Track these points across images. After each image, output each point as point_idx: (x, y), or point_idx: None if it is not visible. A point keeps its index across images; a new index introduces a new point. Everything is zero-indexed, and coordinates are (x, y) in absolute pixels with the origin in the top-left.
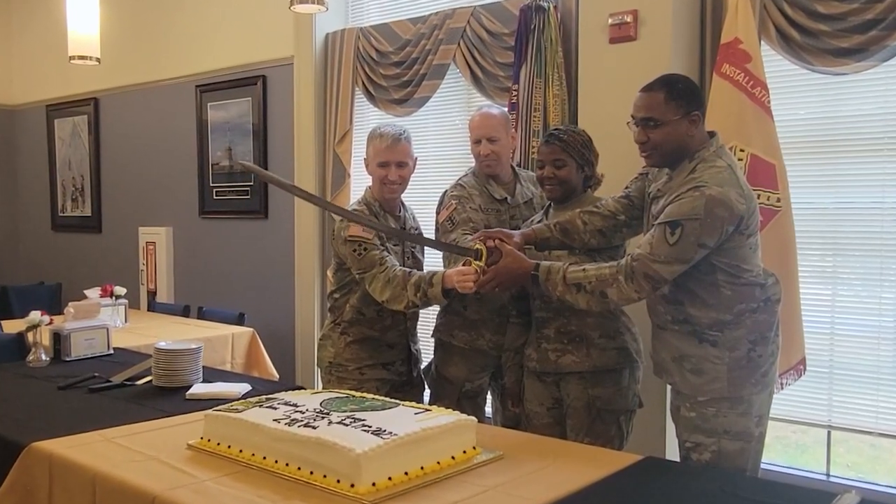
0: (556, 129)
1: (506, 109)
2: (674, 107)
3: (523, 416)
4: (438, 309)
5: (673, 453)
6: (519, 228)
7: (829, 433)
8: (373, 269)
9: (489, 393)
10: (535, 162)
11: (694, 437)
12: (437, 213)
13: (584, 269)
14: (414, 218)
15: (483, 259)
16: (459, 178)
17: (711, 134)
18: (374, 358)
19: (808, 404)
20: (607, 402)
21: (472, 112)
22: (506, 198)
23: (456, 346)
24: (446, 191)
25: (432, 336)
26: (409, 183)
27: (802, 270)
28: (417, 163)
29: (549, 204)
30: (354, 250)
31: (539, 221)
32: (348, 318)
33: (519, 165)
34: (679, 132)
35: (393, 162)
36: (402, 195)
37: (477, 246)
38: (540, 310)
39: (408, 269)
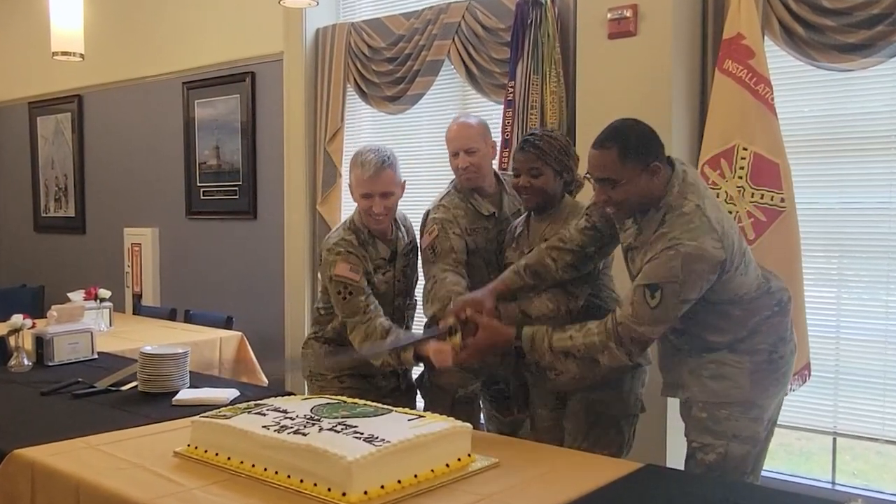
0: (531, 135)
1: (483, 118)
2: (630, 163)
3: (529, 418)
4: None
5: (674, 459)
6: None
7: (834, 440)
8: (355, 316)
9: (481, 400)
10: (512, 170)
11: (702, 437)
12: (421, 234)
13: (570, 336)
14: (409, 232)
15: (458, 334)
16: (441, 197)
17: (672, 162)
18: (354, 368)
19: (812, 411)
20: (607, 405)
21: (467, 109)
22: (493, 213)
23: None
24: (428, 210)
25: None
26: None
27: (807, 272)
28: (412, 160)
29: (528, 216)
30: (339, 292)
31: (519, 233)
32: (330, 335)
33: (504, 169)
34: (640, 186)
35: (377, 193)
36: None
37: (450, 322)
38: None
39: (388, 326)
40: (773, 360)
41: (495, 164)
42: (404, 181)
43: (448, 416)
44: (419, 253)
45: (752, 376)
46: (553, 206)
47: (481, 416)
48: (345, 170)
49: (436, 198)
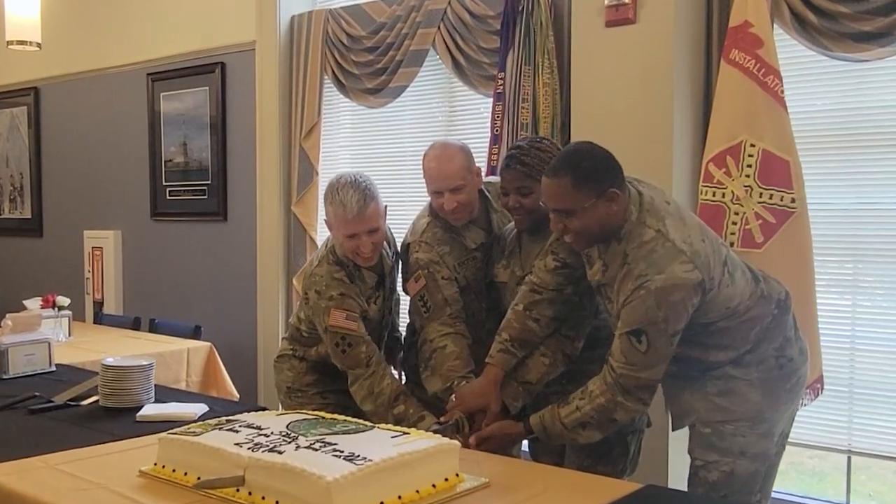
0: (516, 149)
1: (464, 142)
2: (584, 192)
3: None
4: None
5: (676, 477)
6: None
7: (849, 459)
8: (356, 369)
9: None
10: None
11: (707, 454)
12: (403, 262)
13: (576, 408)
14: (392, 244)
15: (466, 428)
16: (423, 231)
17: (630, 185)
18: (337, 383)
19: (826, 427)
20: None
21: (454, 103)
22: (481, 243)
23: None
24: (408, 244)
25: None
26: (382, 186)
27: (820, 278)
28: (397, 159)
29: (520, 233)
30: (337, 344)
31: (510, 251)
32: (314, 359)
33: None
34: (598, 215)
35: (363, 232)
36: None
37: (456, 417)
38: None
39: (397, 391)
40: (781, 364)
41: (483, 165)
42: (386, 205)
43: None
44: (406, 293)
45: (762, 387)
46: (548, 223)
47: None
48: (322, 168)
49: (415, 224)
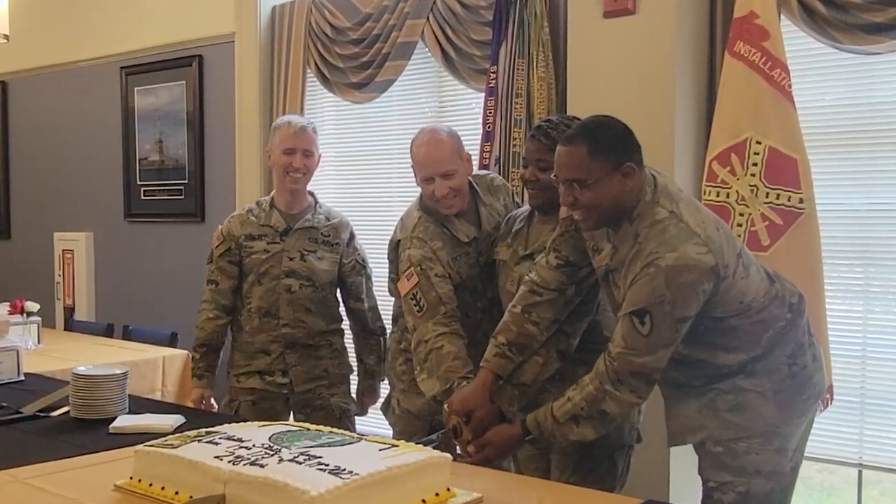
0: (546, 122)
1: (452, 128)
2: (600, 162)
3: None
4: (392, 353)
5: (678, 494)
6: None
7: (860, 472)
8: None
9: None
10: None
11: (719, 475)
12: (391, 260)
13: (568, 399)
14: (328, 218)
15: (463, 433)
16: (414, 226)
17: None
18: (249, 365)
19: (836, 439)
20: (601, 437)
21: (444, 98)
22: (474, 237)
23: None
24: (398, 241)
25: (390, 384)
26: (367, 186)
27: (829, 283)
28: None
29: (532, 211)
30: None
31: (518, 229)
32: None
33: (498, 161)
34: (612, 189)
35: (299, 149)
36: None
37: (453, 423)
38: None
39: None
40: (794, 373)
41: (475, 163)
42: (321, 155)
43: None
44: (393, 294)
45: (775, 398)
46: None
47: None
48: None
49: (404, 221)
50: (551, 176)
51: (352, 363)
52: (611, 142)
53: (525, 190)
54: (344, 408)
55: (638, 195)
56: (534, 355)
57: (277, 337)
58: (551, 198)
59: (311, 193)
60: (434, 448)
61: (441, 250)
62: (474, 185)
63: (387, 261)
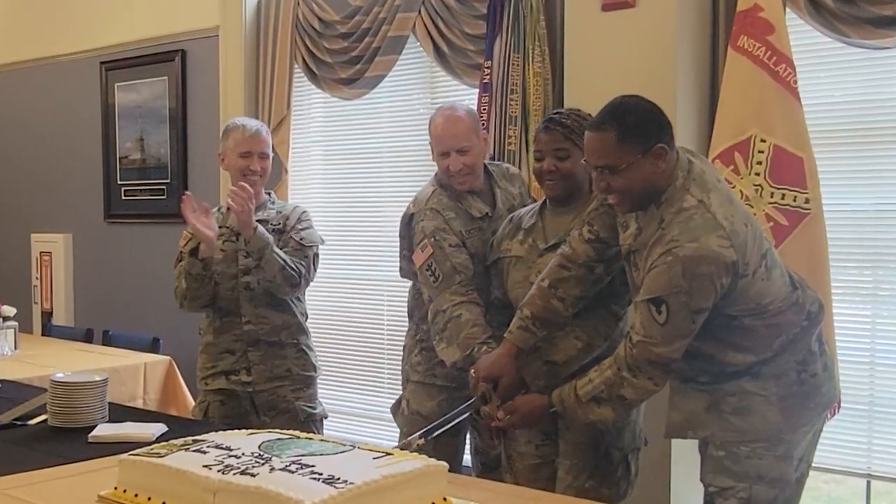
0: (557, 113)
1: (472, 106)
2: (629, 147)
3: (504, 456)
4: (408, 348)
5: (679, 499)
6: None
7: (868, 483)
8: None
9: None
10: (532, 153)
11: (720, 480)
12: (402, 236)
13: (589, 380)
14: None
15: (492, 399)
16: (428, 199)
17: (678, 151)
18: (215, 366)
19: (843, 449)
20: (616, 438)
21: (436, 94)
22: (486, 213)
23: (438, 386)
24: (412, 214)
25: (404, 379)
26: (357, 185)
27: (836, 286)
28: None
29: (544, 201)
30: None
31: (531, 225)
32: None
33: (493, 159)
34: (644, 173)
35: (256, 152)
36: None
37: (481, 391)
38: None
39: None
40: (803, 380)
41: None
42: (273, 155)
43: (430, 448)
44: (403, 275)
45: (780, 404)
46: (580, 194)
47: (462, 455)
48: (292, 165)
49: (418, 196)
50: (582, 160)
51: (317, 363)
52: (639, 125)
53: (542, 182)
54: (309, 412)
55: (669, 178)
56: (573, 338)
57: (240, 335)
58: (570, 188)
59: (268, 192)
60: (466, 417)
61: (454, 220)
62: (490, 170)
63: (396, 240)
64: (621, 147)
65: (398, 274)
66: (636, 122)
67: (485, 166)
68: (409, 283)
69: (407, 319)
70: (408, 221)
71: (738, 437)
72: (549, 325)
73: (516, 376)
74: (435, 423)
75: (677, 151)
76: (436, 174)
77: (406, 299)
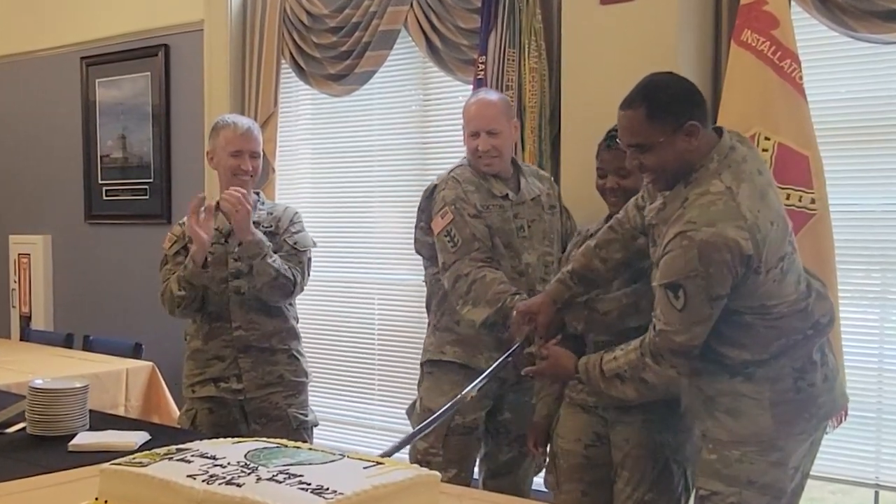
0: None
1: (506, 95)
2: (660, 125)
3: (550, 452)
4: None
5: None
6: (523, 228)
7: (876, 494)
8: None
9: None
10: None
11: (711, 483)
12: (421, 209)
13: (614, 357)
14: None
15: (535, 341)
16: (452, 170)
17: (721, 131)
18: (203, 373)
19: (850, 458)
20: (676, 449)
21: (429, 91)
22: (507, 194)
23: (447, 364)
24: (436, 185)
25: (421, 365)
26: (348, 184)
27: (843, 289)
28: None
29: (609, 216)
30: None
31: (593, 235)
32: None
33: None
34: (677, 150)
35: (247, 151)
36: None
37: (525, 333)
38: (598, 334)
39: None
40: (799, 388)
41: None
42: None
43: (439, 448)
44: (433, 238)
45: (773, 409)
46: None
47: (476, 456)
48: (279, 164)
49: (446, 173)
50: (616, 140)
51: (308, 369)
52: (669, 102)
53: (606, 199)
54: (301, 419)
55: (704, 158)
56: (622, 296)
57: (231, 341)
58: None
59: (257, 192)
60: (508, 363)
61: (473, 193)
62: (520, 164)
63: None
64: (651, 125)
65: (389, 275)
66: (667, 99)
67: (515, 161)
68: (401, 288)
69: (400, 325)
70: (430, 194)
71: (728, 437)
72: (586, 282)
73: (554, 316)
74: (484, 374)
75: (722, 133)
76: (464, 157)
77: (397, 304)
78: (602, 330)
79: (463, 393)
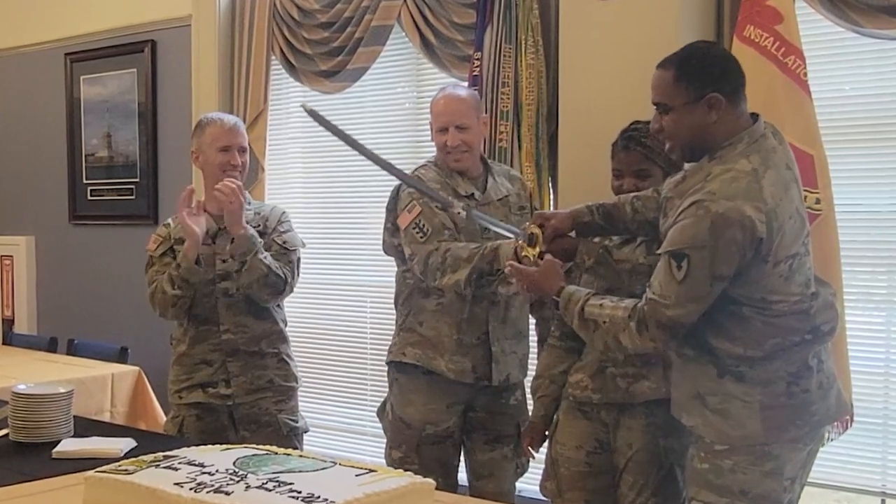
0: (634, 130)
1: (475, 90)
2: (683, 89)
3: (549, 459)
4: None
5: None
6: (487, 229)
7: (882, 502)
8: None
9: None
10: (612, 170)
11: (702, 494)
12: (389, 210)
13: (601, 304)
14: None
15: (538, 245)
16: (417, 169)
17: (756, 117)
18: (190, 378)
19: (855, 465)
20: (681, 455)
21: (423, 88)
22: (472, 193)
23: (410, 368)
24: (399, 186)
25: (387, 364)
26: (339, 184)
27: (849, 291)
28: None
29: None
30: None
31: (592, 263)
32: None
33: (489, 157)
34: (693, 119)
35: (235, 146)
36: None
37: (532, 230)
38: (603, 280)
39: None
40: (792, 393)
41: None
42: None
43: (413, 457)
44: (399, 233)
45: (763, 413)
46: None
47: (457, 461)
48: (269, 163)
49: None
50: (633, 141)
51: (298, 374)
52: (699, 69)
53: None
54: (292, 425)
55: (728, 137)
56: (642, 251)
57: (218, 345)
58: None
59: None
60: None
61: (438, 192)
62: (489, 163)
63: (380, 244)
64: (676, 87)
65: (382, 277)
66: (698, 66)
67: (485, 160)
68: (393, 288)
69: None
70: (395, 194)
71: (716, 438)
72: (609, 219)
73: (569, 225)
74: (489, 222)
75: (755, 119)
76: (432, 157)
77: (391, 307)
78: (608, 277)
79: (452, 210)
